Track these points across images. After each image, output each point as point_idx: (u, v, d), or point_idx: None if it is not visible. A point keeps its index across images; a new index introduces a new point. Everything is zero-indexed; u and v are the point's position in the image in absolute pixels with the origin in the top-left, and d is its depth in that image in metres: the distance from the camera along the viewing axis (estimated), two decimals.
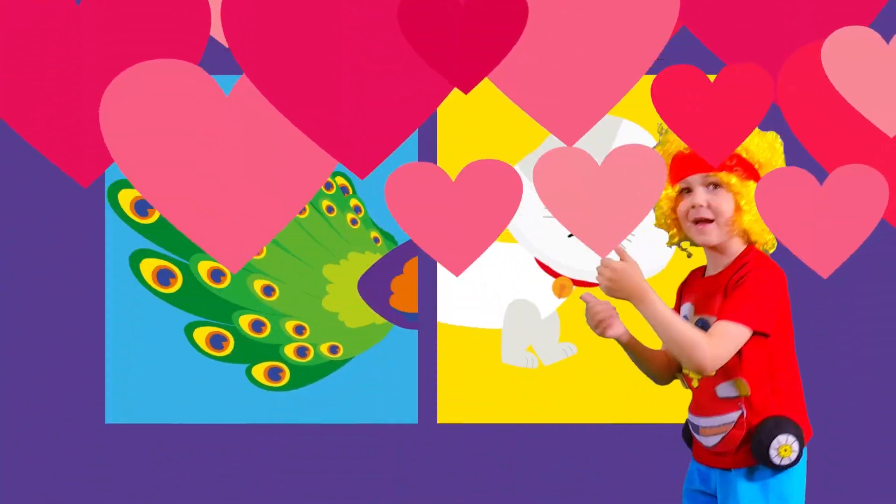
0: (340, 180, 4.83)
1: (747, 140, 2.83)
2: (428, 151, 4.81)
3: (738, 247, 2.87)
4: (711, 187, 2.85)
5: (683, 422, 3.03)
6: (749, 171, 2.84)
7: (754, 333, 2.74)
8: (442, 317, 4.81)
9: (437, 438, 4.78)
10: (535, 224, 4.78)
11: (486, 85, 4.77)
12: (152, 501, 4.77)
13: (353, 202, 4.84)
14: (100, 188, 4.76)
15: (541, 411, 4.79)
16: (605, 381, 4.78)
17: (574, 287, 4.80)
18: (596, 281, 2.84)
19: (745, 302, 2.73)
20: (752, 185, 2.82)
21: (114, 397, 4.78)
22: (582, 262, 4.77)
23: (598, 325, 2.95)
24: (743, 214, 2.83)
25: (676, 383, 3.07)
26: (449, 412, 4.80)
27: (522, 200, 4.74)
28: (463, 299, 4.81)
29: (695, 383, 2.89)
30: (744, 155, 2.84)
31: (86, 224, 4.78)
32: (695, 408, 2.90)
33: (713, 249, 2.89)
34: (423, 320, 4.81)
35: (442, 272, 4.81)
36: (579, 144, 4.78)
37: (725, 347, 2.72)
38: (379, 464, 4.78)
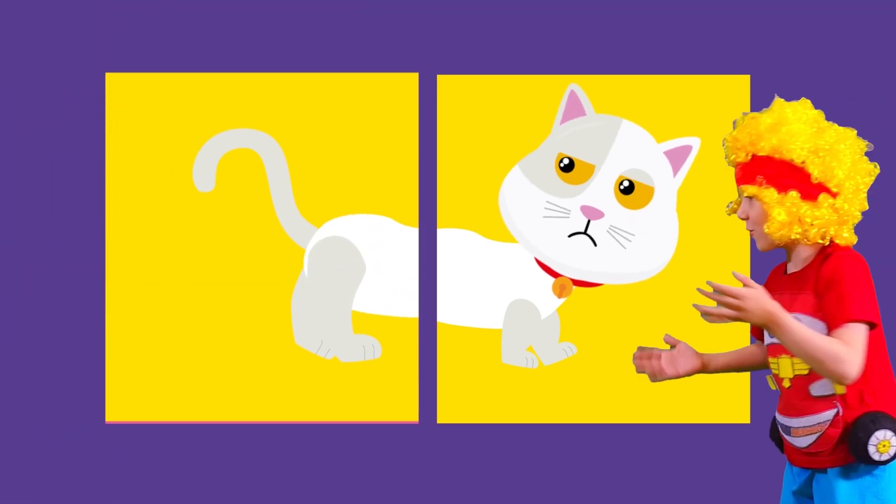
0: None
1: (759, 138, 2.85)
2: (428, 151, 4.81)
3: (808, 245, 2.87)
4: (748, 199, 2.88)
5: (771, 422, 3.03)
6: (776, 172, 2.84)
7: (869, 326, 2.74)
8: (442, 317, 4.81)
9: (437, 438, 4.78)
10: (534, 224, 4.78)
11: (486, 86, 4.79)
12: (152, 501, 4.77)
13: None
14: (100, 181, 4.77)
15: (541, 411, 4.79)
16: (605, 381, 4.79)
17: (574, 287, 4.82)
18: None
19: (850, 298, 2.71)
20: (771, 191, 2.82)
21: (114, 397, 4.78)
22: (581, 261, 4.77)
23: (655, 376, 3.05)
24: (770, 222, 2.85)
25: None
26: (449, 412, 4.80)
27: (523, 201, 4.77)
28: (463, 299, 4.82)
29: (786, 383, 2.87)
30: (763, 154, 2.85)
31: (87, 218, 4.78)
32: (785, 408, 2.88)
33: (787, 248, 2.90)
34: (423, 320, 4.81)
35: (442, 272, 4.81)
36: (581, 144, 4.81)
37: (860, 350, 2.70)
38: (379, 464, 4.78)
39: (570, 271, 4.78)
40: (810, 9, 4.76)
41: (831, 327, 2.73)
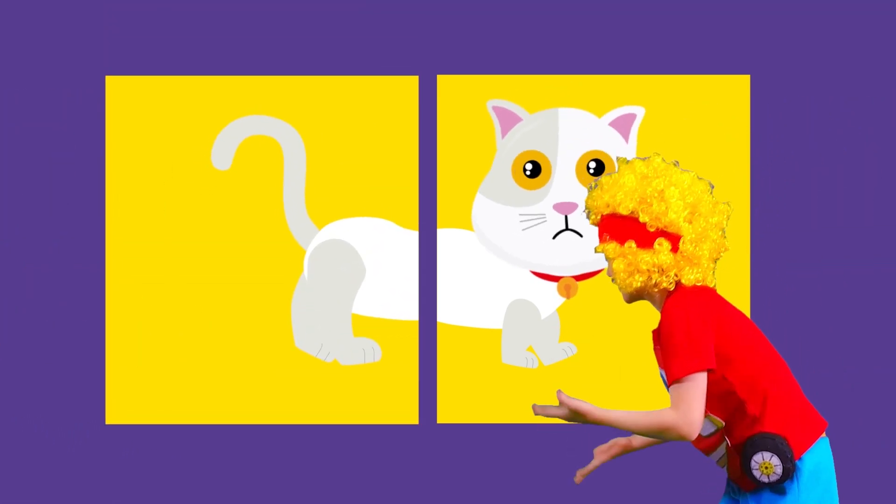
0: None
1: (598, 199, 2.90)
2: (428, 153, 4.82)
3: (658, 298, 2.90)
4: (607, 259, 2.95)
5: None
6: (615, 227, 2.89)
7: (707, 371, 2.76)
8: (442, 317, 4.81)
9: (437, 438, 4.78)
10: (517, 240, 4.79)
11: (486, 86, 4.80)
12: (152, 501, 4.77)
13: None
14: (100, 182, 4.78)
15: None
16: (605, 381, 4.79)
17: (578, 283, 4.82)
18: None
19: (673, 355, 2.75)
20: (613, 245, 2.88)
21: (114, 399, 4.78)
22: (574, 256, 4.78)
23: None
24: (615, 274, 2.90)
25: None
26: (449, 412, 4.79)
27: (497, 223, 4.78)
28: (463, 299, 4.82)
29: None
30: (604, 213, 2.90)
31: (87, 218, 4.79)
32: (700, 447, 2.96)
33: (647, 301, 2.94)
34: (424, 320, 4.81)
35: (442, 272, 4.81)
36: (530, 147, 4.82)
37: (691, 406, 2.73)
38: (379, 464, 4.78)
39: (569, 269, 4.79)
40: (811, 8, 4.77)
41: (669, 386, 2.79)
